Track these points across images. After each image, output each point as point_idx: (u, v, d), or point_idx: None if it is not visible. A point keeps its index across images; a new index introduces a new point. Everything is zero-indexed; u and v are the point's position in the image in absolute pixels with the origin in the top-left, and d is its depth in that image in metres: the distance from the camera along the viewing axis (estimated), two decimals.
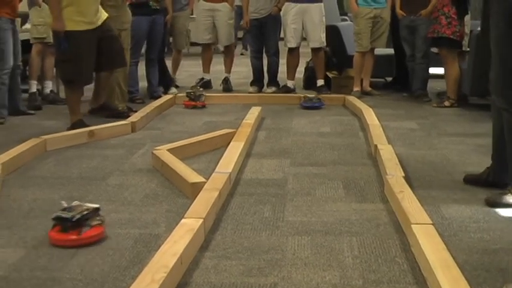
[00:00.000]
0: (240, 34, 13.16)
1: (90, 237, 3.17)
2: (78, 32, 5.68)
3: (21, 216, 3.58)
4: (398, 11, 7.61)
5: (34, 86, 7.23)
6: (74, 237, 3.14)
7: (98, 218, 3.25)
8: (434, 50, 7.37)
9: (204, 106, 7.20)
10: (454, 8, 6.88)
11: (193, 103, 7.19)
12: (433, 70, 7.86)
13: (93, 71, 6.03)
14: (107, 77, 6.35)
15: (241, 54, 13.20)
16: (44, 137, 5.17)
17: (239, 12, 9.27)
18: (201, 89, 7.48)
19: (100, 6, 6.00)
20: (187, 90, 7.39)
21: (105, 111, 6.45)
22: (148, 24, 7.37)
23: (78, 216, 3.15)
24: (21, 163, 4.67)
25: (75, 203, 3.28)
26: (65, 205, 3.24)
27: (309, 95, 7.30)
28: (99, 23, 5.90)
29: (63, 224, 3.16)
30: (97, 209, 3.26)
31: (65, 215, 3.17)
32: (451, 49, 7.03)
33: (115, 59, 6.15)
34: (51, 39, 7.16)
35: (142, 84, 7.88)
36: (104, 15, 6.01)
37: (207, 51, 8.74)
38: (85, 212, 3.19)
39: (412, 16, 7.46)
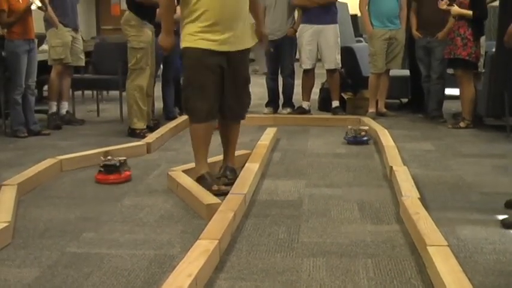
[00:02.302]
0: None
1: (128, 176, 4.81)
2: (196, 51, 4.37)
3: (37, 236, 3.59)
4: (414, 32, 7.63)
5: (54, 107, 7.28)
6: (117, 176, 4.75)
7: (127, 165, 4.91)
8: (449, 71, 7.36)
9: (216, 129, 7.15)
10: (470, 29, 6.87)
11: None
12: (448, 91, 7.85)
13: (217, 104, 4.48)
14: (231, 129, 4.81)
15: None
16: (60, 158, 5.20)
17: None
18: None
19: (251, 25, 4.58)
20: None
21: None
22: None
23: (118, 163, 4.78)
24: (37, 183, 4.69)
25: (109, 157, 4.86)
26: (104, 159, 4.82)
27: (354, 128, 6.46)
28: (237, 48, 4.43)
29: (110, 168, 4.75)
30: (125, 160, 4.89)
31: (111, 162, 4.77)
32: (467, 70, 7.01)
33: (230, 108, 4.60)
34: (69, 60, 7.25)
35: (158, 104, 7.91)
36: (249, 42, 4.55)
37: None
38: (122, 161, 4.81)
39: (429, 38, 7.47)
